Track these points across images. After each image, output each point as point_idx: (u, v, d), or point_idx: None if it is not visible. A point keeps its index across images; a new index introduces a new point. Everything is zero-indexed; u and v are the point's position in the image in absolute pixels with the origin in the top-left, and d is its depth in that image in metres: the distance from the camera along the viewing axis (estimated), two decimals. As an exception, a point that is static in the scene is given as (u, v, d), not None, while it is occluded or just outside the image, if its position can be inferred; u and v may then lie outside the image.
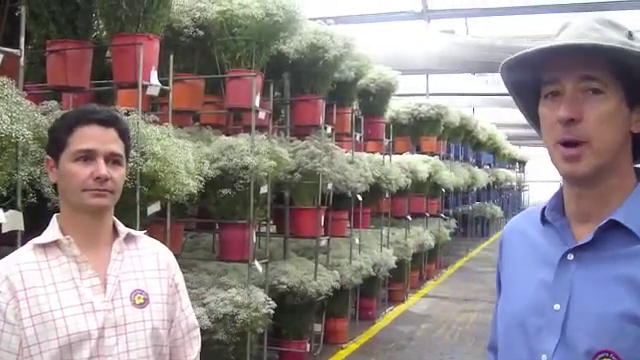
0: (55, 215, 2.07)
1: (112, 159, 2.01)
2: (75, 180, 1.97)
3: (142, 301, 2.04)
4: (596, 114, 1.53)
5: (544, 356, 1.58)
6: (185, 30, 6.20)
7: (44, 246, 2.00)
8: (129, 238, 2.12)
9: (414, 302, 11.90)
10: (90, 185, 1.96)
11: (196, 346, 2.24)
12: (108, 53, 5.98)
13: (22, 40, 3.75)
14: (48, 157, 2.07)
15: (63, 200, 2.06)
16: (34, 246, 2.00)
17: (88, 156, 1.97)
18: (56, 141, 2.03)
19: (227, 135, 6.35)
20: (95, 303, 1.96)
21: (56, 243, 2.00)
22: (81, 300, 1.95)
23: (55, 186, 2.08)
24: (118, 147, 2.03)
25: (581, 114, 1.53)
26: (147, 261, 2.13)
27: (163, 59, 5.27)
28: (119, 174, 2.03)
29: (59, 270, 1.97)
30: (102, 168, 1.96)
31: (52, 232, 2.02)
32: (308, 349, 7.65)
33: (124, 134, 2.07)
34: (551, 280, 1.62)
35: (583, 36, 1.54)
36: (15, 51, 3.72)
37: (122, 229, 2.12)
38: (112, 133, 2.02)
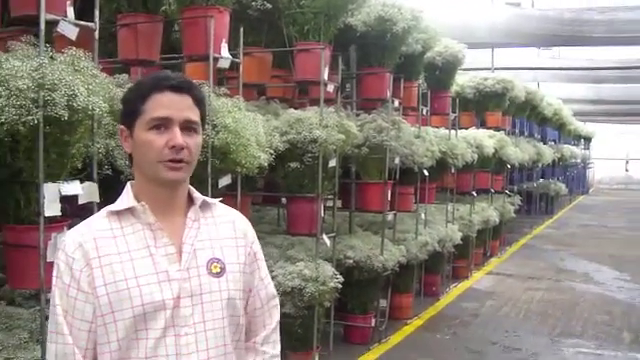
0: (129, 182, 2.01)
1: (188, 127, 1.92)
2: (150, 150, 1.89)
3: (218, 270, 1.97)
4: None
5: None
6: (253, 3, 6.17)
7: (118, 213, 1.95)
8: (205, 206, 2.05)
9: (478, 279, 11.77)
10: (165, 155, 1.88)
11: (275, 315, 2.18)
12: (175, 27, 6.00)
13: (97, 13, 3.75)
14: (122, 127, 1.98)
15: (137, 171, 1.99)
16: (108, 213, 1.95)
17: (163, 124, 1.89)
18: (130, 110, 1.95)
19: (294, 109, 6.31)
20: (170, 272, 1.90)
21: (130, 210, 1.94)
22: (156, 269, 1.90)
23: (130, 157, 2.01)
24: (193, 114, 1.94)
25: None
26: (223, 229, 2.05)
27: (232, 32, 5.25)
28: (195, 142, 1.94)
29: (133, 238, 1.92)
30: (178, 136, 1.88)
31: (126, 199, 1.96)
32: (373, 324, 7.63)
33: (200, 101, 1.98)
34: None
35: None
36: (90, 24, 3.72)
37: (197, 196, 2.04)
38: (187, 100, 1.93)
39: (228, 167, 4.61)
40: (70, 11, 3.50)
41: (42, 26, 3.28)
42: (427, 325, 8.62)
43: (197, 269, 1.94)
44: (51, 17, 3.38)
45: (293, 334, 5.91)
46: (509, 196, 14.83)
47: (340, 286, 5.98)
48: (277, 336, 2.20)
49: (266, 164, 4.79)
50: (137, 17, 4.92)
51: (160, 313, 1.87)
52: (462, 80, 12.93)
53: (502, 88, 13.25)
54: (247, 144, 4.49)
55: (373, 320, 7.62)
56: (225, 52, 4.88)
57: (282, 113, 6.11)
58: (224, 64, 4.93)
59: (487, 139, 12.03)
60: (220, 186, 4.72)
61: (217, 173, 4.61)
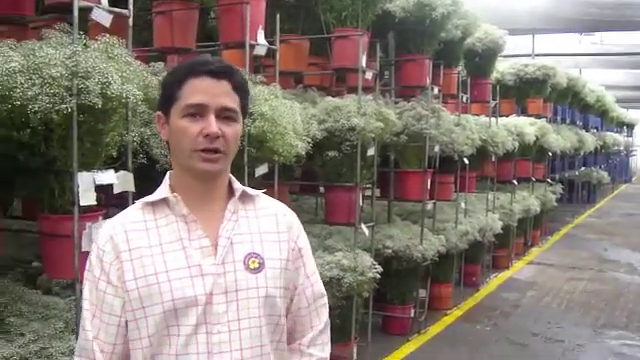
0: (168, 173, 1.94)
1: (224, 114, 1.81)
2: (184, 138, 1.80)
3: (257, 265, 1.84)
4: None
5: None
6: (290, -11, 6.10)
7: (153, 204, 1.87)
8: (245, 197, 1.94)
9: (519, 269, 11.62)
10: (200, 143, 1.78)
11: (323, 316, 2.05)
12: (212, 15, 5.95)
13: (130, 0, 3.70)
14: (159, 113, 1.90)
15: (174, 160, 1.90)
16: (143, 205, 1.88)
17: (198, 111, 1.80)
18: (167, 95, 1.87)
19: (332, 97, 6.23)
20: (203, 266, 1.80)
21: (165, 201, 1.86)
22: (188, 262, 1.80)
23: (167, 145, 1.92)
24: (231, 101, 1.82)
25: None
26: (265, 222, 1.93)
27: (268, 20, 5.18)
28: (233, 131, 1.83)
29: (167, 230, 1.83)
30: (213, 124, 1.78)
31: (162, 190, 1.89)
32: (412, 314, 7.55)
33: (239, 87, 1.86)
34: None
35: None
36: (124, 11, 3.67)
37: (238, 187, 1.93)
38: (225, 86, 1.82)
39: (265, 156, 4.54)
40: (104, -2, 3.45)
41: (75, 13, 3.23)
42: (467, 316, 8.52)
43: (233, 264, 1.83)
44: (84, 4, 3.32)
45: (331, 325, 5.83)
46: (550, 185, 14.62)
47: (379, 276, 5.90)
48: (326, 337, 2.07)
49: (304, 153, 4.70)
50: (172, 4, 4.86)
51: (191, 309, 1.77)
52: (502, 67, 12.80)
53: (543, 75, 13.05)
54: (284, 132, 4.41)
55: (412, 310, 7.54)
56: (261, 39, 4.81)
57: (319, 101, 6.04)
58: (260, 51, 4.85)
59: (528, 127, 11.85)
60: (257, 175, 4.66)
61: (254, 162, 4.54)
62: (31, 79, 2.98)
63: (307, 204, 7.94)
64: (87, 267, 1.86)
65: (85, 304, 1.84)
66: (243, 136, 4.19)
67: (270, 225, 1.94)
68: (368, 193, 6.86)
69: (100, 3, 3.43)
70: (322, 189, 6.85)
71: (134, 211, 1.89)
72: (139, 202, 1.90)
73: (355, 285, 5.61)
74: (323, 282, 5.75)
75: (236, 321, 1.80)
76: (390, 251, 6.81)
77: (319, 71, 7.07)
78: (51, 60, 3.02)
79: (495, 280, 10.63)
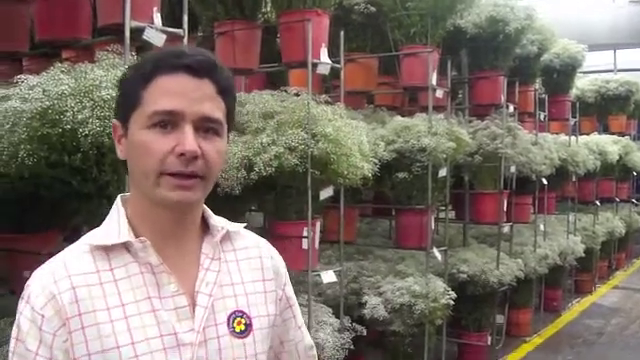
0: (119, 197, 1.45)
1: (205, 126, 1.34)
2: (147, 157, 1.32)
3: (243, 328, 1.43)
4: None
5: None
6: (356, 7, 6.00)
7: (106, 249, 1.37)
8: (225, 237, 1.49)
9: (603, 294, 11.15)
10: (170, 165, 1.31)
11: None
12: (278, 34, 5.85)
13: (185, 18, 3.60)
14: (115, 122, 1.41)
15: (133, 185, 1.42)
16: (92, 248, 1.37)
17: (169, 121, 1.32)
18: (125, 98, 1.39)
19: (402, 116, 6.05)
20: (180, 334, 1.35)
21: (124, 245, 1.37)
22: (160, 330, 1.34)
23: (124, 165, 1.43)
24: (215, 108, 1.36)
25: None
26: (248, 268, 1.50)
27: (334, 38, 5.04)
28: (215, 149, 1.36)
29: (128, 284, 1.35)
30: (190, 139, 1.31)
31: (118, 228, 1.38)
32: (489, 342, 7.25)
33: (225, 90, 1.39)
34: None
35: None
36: (178, 31, 3.57)
37: (215, 223, 1.47)
38: (207, 87, 1.35)
39: (329, 178, 4.38)
40: (157, 17, 3.36)
41: (127, 33, 3.15)
42: (547, 344, 8.16)
43: (215, 327, 1.40)
44: (137, 24, 3.25)
45: (402, 353, 5.64)
46: (636, 205, 14.05)
47: (452, 302, 5.66)
48: None
49: (370, 174, 4.52)
50: (234, 24, 4.79)
51: None
52: (582, 83, 12.39)
53: (626, 91, 12.56)
54: (349, 153, 4.24)
55: (489, 338, 7.23)
56: (325, 57, 4.67)
57: (389, 121, 5.87)
58: (323, 70, 4.71)
59: (611, 145, 11.40)
60: (321, 198, 4.51)
61: (318, 185, 4.38)
62: (81, 102, 2.89)
63: (381, 227, 7.77)
64: (15, 336, 1.34)
65: None
66: (306, 158, 4.04)
67: (254, 272, 1.52)
68: (442, 215, 6.63)
69: (153, 23, 3.34)
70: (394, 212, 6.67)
71: (80, 257, 1.37)
72: (84, 244, 1.39)
73: (427, 312, 5.39)
74: (394, 309, 5.55)
75: None
76: (465, 276, 6.54)
77: (390, 90, 6.91)
78: (102, 82, 2.93)
79: (577, 306, 10.20)
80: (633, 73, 15.45)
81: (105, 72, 3.00)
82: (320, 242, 4.73)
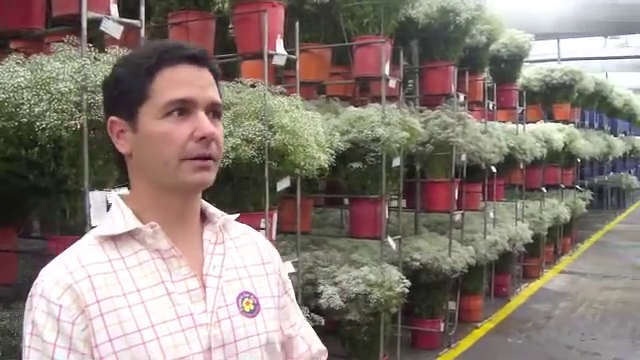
0: (117, 195, 1.49)
1: (213, 110, 1.42)
2: (168, 145, 1.37)
3: (252, 307, 1.48)
4: None
5: None
6: (309, -3, 5.96)
7: (114, 239, 1.41)
8: (224, 224, 1.56)
9: (550, 278, 11.34)
10: (191, 150, 1.37)
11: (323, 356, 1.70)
12: (230, 26, 5.82)
13: (142, 9, 3.55)
14: (113, 118, 1.44)
15: (140, 177, 1.45)
16: (100, 239, 1.41)
17: (184, 108, 1.38)
18: (127, 93, 1.41)
19: (355, 107, 6.07)
20: (195, 315, 1.40)
21: (131, 234, 1.41)
22: (177, 312, 1.38)
23: (120, 161, 1.49)
24: (217, 94, 1.44)
25: None
26: (247, 253, 1.56)
27: (288, 29, 5.03)
28: (220, 132, 1.44)
29: (141, 271, 1.39)
30: (207, 123, 1.39)
31: (122, 218, 1.42)
32: (442, 328, 7.34)
33: (218, 78, 1.47)
34: None
35: None
36: (135, 22, 3.52)
37: (215, 211, 1.54)
38: (208, 75, 1.43)
39: (286, 169, 4.38)
40: (114, 9, 3.31)
41: (84, 25, 3.10)
42: (498, 328, 8.29)
43: (226, 308, 1.44)
44: (93, 15, 3.20)
45: (359, 342, 5.69)
46: (580, 191, 14.33)
47: (407, 291, 5.72)
48: None
49: (326, 165, 4.53)
50: (188, 15, 4.76)
51: None
52: (528, 72, 12.58)
53: (570, 79, 12.82)
54: (306, 145, 4.24)
55: (442, 324, 7.32)
56: (280, 48, 4.66)
57: (342, 111, 5.88)
58: (279, 61, 4.69)
59: (556, 133, 11.64)
60: (278, 189, 4.50)
61: (275, 176, 4.38)
62: (38, 95, 2.86)
63: (333, 216, 7.81)
64: (29, 331, 1.34)
65: None
66: (263, 150, 4.04)
67: (254, 256, 1.57)
68: (395, 205, 6.68)
69: (110, 14, 3.29)
70: (347, 201, 6.69)
71: (90, 249, 1.41)
72: (92, 236, 1.44)
73: (383, 301, 5.44)
74: (350, 299, 5.58)
75: None
76: (418, 264, 6.62)
77: (342, 81, 6.92)
78: (59, 74, 2.89)
79: (526, 290, 10.37)
80: (576, 62, 15.80)
81: (62, 64, 2.95)
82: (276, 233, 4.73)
